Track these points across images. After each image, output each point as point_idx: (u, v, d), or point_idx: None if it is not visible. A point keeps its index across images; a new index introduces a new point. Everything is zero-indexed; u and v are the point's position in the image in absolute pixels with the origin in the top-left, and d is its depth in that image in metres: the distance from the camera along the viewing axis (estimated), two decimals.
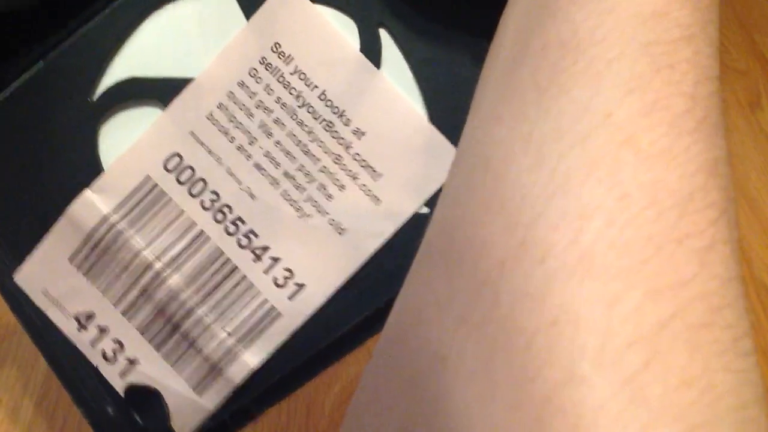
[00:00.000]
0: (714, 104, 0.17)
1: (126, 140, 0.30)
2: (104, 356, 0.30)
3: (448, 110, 0.29)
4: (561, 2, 0.18)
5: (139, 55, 0.30)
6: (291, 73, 0.29)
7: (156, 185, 0.30)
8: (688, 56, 0.17)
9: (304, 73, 0.29)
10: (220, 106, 0.29)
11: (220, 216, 0.30)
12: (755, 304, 0.96)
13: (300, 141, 0.29)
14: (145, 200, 0.30)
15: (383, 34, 0.29)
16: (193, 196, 0.30)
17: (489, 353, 0.15)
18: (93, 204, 0.30)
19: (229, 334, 0.30)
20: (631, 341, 0.14)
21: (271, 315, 0.30)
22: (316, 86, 0.29)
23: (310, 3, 0.29)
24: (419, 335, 0.17)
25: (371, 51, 0.29)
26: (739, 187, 1.00)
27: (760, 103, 1.04)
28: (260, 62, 0.29)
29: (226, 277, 0.30)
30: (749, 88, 1.06)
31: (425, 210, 0.29)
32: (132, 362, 0.30)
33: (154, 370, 0.30)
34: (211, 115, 0.29)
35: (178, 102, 0.30)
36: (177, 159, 0.30)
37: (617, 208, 0.15)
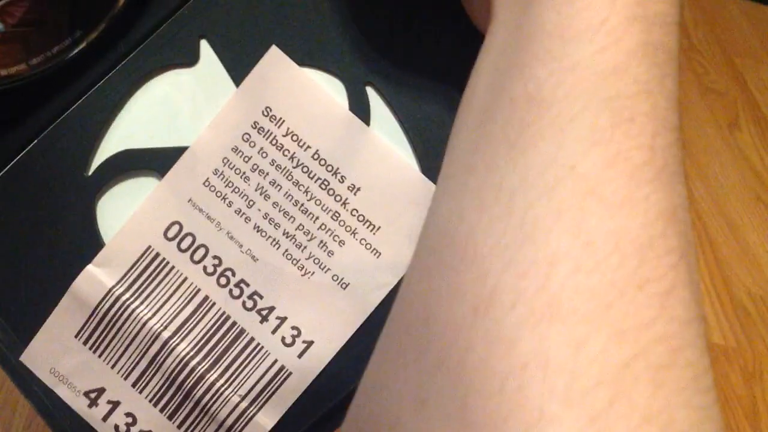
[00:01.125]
0: (672, 154, 0.18)
1: (125, 212, 0.30)
2: (117, 431, 0.30)
3: (439, 161, 0.30)
4: (527, 58, 0.19)
5: (131, 128, 0.31)
6: (284, 135, 0.30)
7: (158, 255, 0.30)
8: (647, 110, 0.18)
9: (296, 135, 0.30)
10: (216, 172, 0.30)
11: (223, 280, 0.30)
12: (734, 325, 0.97)
13: (297, 201, 0.30)
14: (148, 270, 0.30)
15: (370, 92, 0.30)
16: (195, 262, 0.30)
17: (464, 396, 0.16)
18: (96, 278, 0.30)
19: (242, 398, 0.30)
20: (597, 381, 0.15)
21: (282, 375, 0.30)
22: (309, 146, 0.30)
23: (298, 66, 0.30)
24: (400, 379, 0.18)
25: (360, 109, 0.30)
26: (717, 207, 1.02)
27: (738, 124, 1.07)
28: (252, 126, 0.30)
29: (234, 341, 0.30)
30: (728, 108, 1.08)
31: None
32: None
33: None
34: (208, 181, 0.30)
35: (174, 171, 0.30)
36: (177, 227, 0.30)
37: (583, 255, 0.16)
